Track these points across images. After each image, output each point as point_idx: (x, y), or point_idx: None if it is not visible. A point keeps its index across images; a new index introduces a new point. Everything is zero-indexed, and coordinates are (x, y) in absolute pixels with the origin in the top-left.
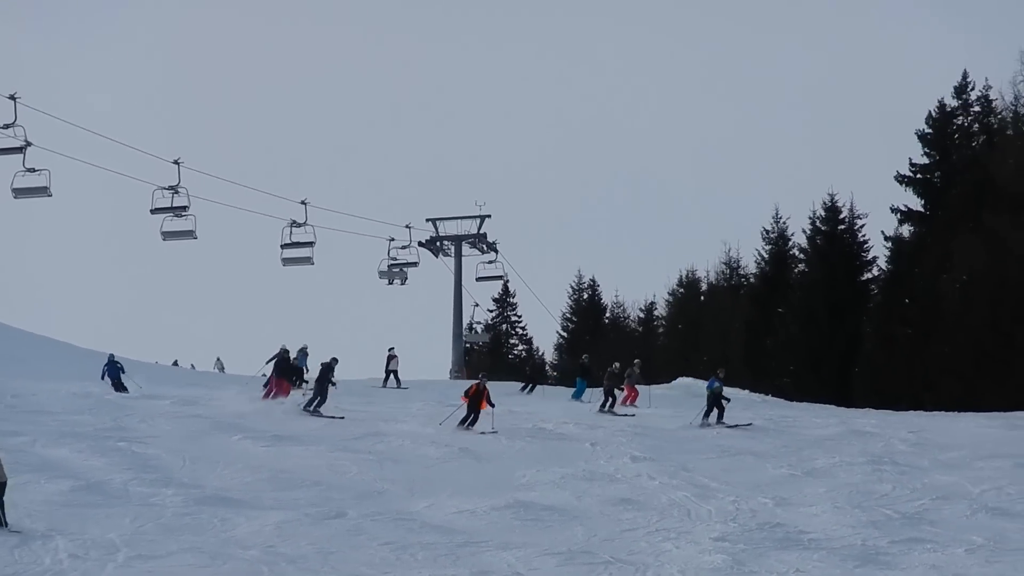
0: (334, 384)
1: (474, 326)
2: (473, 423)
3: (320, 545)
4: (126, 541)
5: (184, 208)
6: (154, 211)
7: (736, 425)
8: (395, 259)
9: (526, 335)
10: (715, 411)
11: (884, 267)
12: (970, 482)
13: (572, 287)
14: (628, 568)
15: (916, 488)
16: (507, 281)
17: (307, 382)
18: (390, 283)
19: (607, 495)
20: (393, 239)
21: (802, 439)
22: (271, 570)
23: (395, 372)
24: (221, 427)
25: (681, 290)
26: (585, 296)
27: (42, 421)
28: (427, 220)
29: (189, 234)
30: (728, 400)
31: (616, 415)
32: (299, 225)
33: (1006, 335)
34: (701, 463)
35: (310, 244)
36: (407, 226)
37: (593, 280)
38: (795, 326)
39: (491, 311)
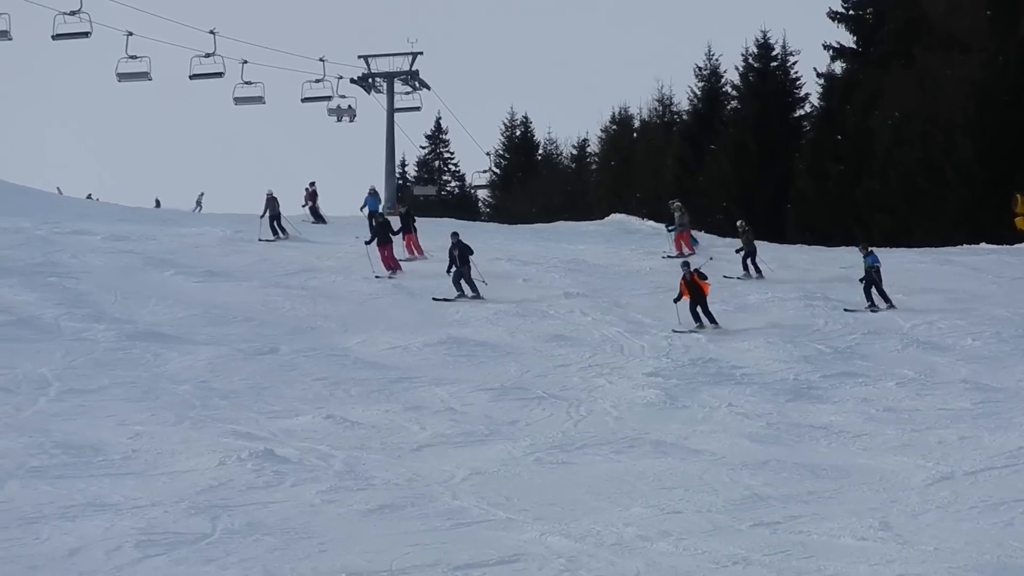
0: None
1: (411, 184)
2: (712, 318)
3: (253, 380)
4: (58, 376)
5: (87, 34)
6: (55, 37)
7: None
8: (310, 95)
9: (458, 172)
10: (874, 290)
11: (816, 104)
12: (901, 317)
13: (504, 124)
14: (561, 403)
15: (848, 323)
16: (439, 117)
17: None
18: (339, 120)
19: (540, 331)
20: (341, 77)
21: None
22: (204, 404)
23: (315, 208)
24: (153, 263)
25: (614, 127)
26: (517, 133)
27: None
28: (359, 57)
29: (144, 75)
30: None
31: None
32: (208, 56)
33: (937, 171)
34: (634, 299)
35: (219, 75)
36: (320, 59)
37: (526, 117)
38: (727, 163)
39: (423, 147)
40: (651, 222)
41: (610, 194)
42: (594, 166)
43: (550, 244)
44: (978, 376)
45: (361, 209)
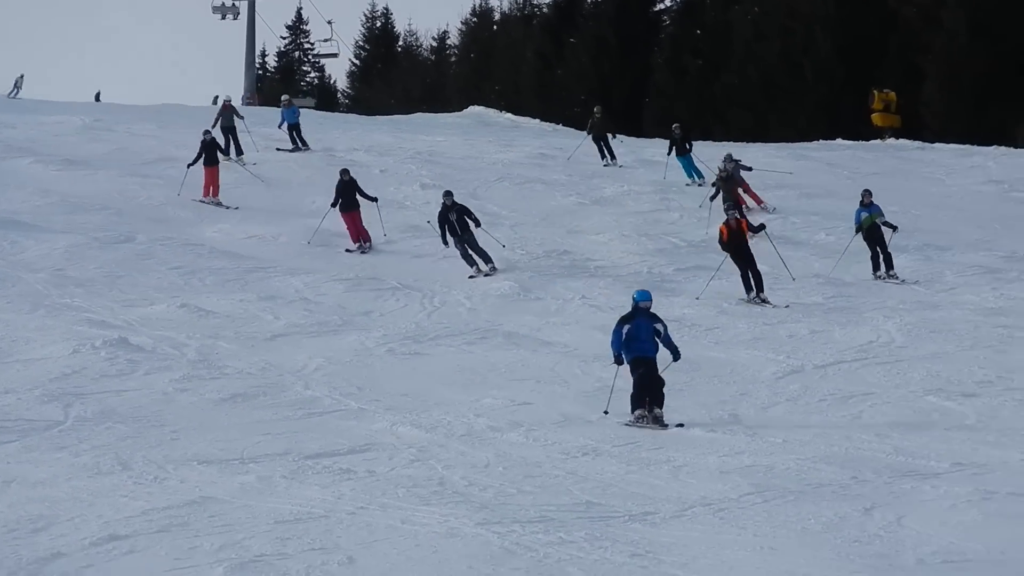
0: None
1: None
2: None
3: (108, 269)
4: None
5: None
6: None
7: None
8: None
9: (318, 63)
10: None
11: None
12: (755, 212)
13: (365, 15)
14: (415, 294)
15: (703, 218)
16: (300, 7)
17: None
18: (223, 18)
19: (396, 222)
20: None
21: (590, 168)
22: (61, 293)
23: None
24: (11, 151)
25: (474, 19)
26: (378, 25)
27: None
28: None
29: None
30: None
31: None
32: None
33: (795, 66)
34: (491, 191)
35: None
36: None
37: (387, 8)
38: (587, 57)
39: (284, 38)
40: (508, 115)
41: (469, 86)
42: (453, 58)
43: (408, 135)
44: (830, 271)
45: (279, 126)
